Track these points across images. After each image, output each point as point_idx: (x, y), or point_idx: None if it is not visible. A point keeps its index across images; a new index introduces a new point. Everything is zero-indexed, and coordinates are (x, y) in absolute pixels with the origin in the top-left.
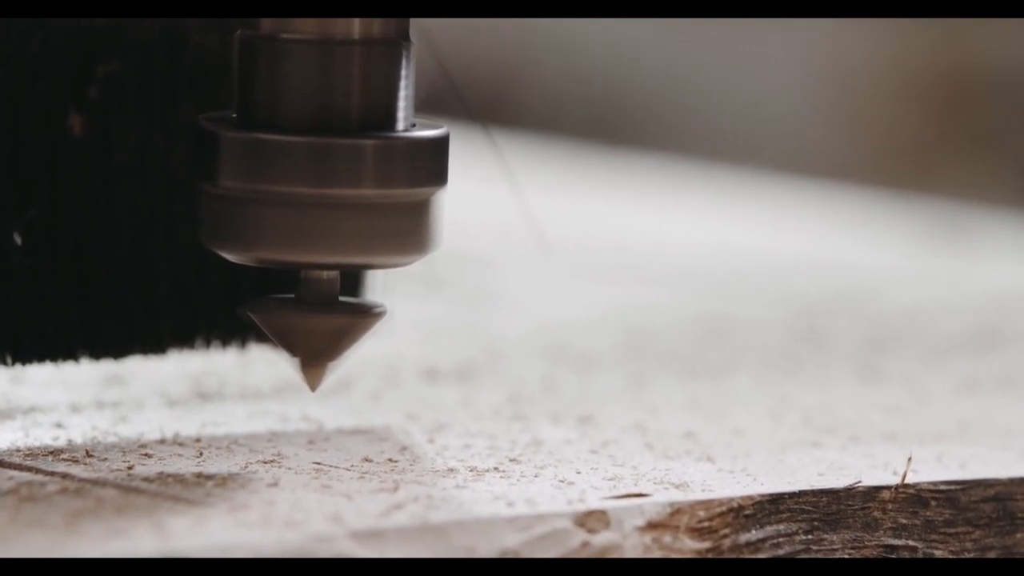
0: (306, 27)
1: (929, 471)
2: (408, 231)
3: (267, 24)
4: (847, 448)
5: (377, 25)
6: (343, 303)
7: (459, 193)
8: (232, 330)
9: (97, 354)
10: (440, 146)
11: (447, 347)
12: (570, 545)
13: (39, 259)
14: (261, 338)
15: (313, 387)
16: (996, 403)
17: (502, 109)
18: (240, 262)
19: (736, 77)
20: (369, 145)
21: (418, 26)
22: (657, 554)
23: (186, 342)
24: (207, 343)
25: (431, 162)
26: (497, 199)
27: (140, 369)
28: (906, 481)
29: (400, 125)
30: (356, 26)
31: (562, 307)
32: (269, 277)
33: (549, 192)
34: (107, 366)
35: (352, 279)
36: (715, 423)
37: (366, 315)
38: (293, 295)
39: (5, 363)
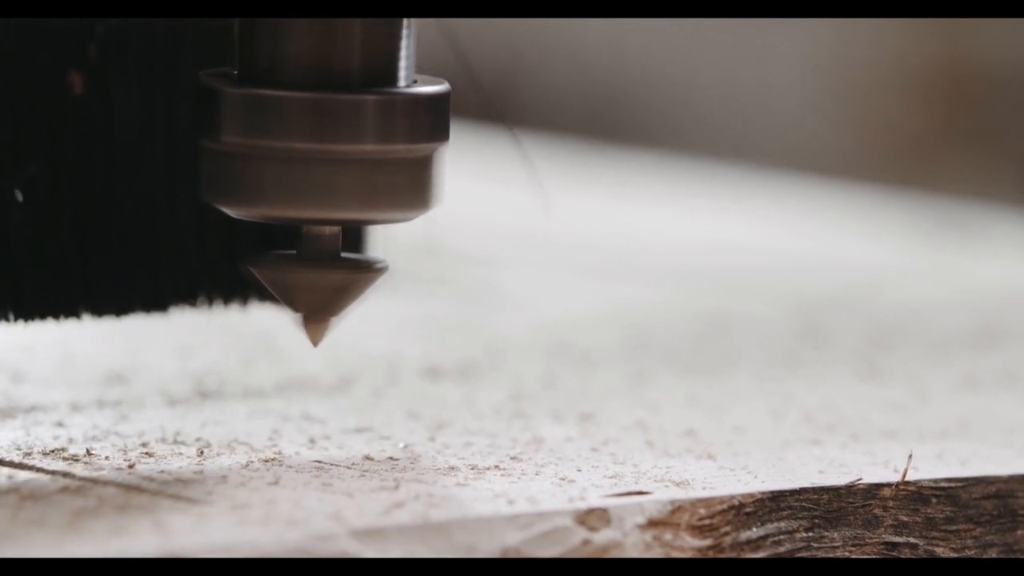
0: None
1: (930, 468)
2: (409, 187)
3: None
4: (848, 446)
5: None
6: (344, 259)
7: (460, 193)
8: (233, 287)
9: (99, 311)
10: (441, 102)
11: (448, 345)
12: (571, 543)
13: (40, 216)
14: (262, 295)
15: (315, 342)
16: (997, 400)
17: (504, 107)
18: (242, 218)
19: (737, 74)
20: (370, 101)
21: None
22: (658, 552)
23: (187, 299)
24: (209, 300)
25: (432, 118)
26: (497, 199)
27: (141, 368)
28: (907, 478)
29: (401, 82)
30: None
31: (563, 305)
32: (271, 234)
33: (550, 190)
34: (108, 365)
35: (354, 239)
36: (716, 421)
37: (367, 270)
38: (295, 251)
39: (7, 320)
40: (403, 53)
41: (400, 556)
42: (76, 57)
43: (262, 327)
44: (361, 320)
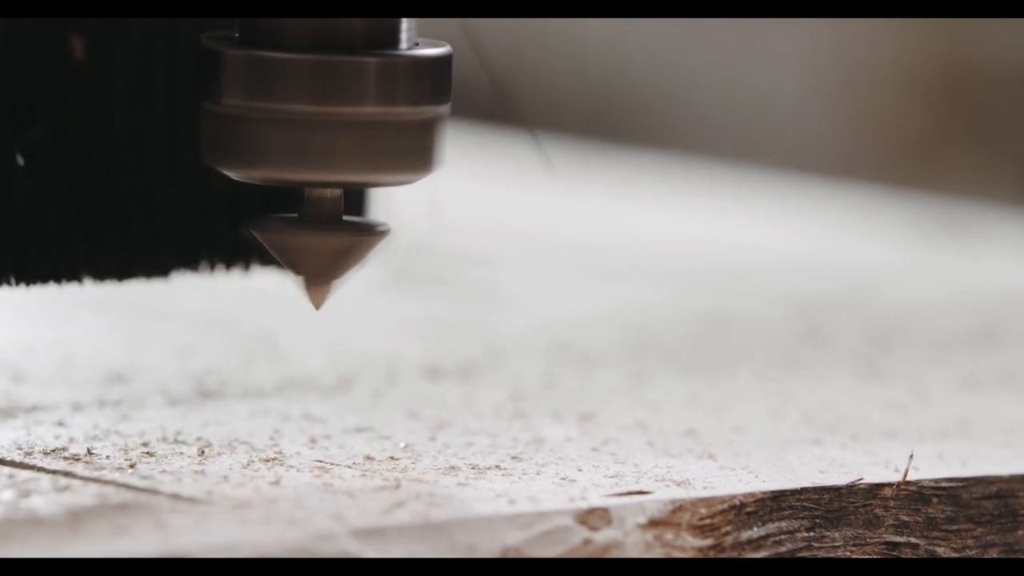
0: None
1: (930, 468)
2: (411, 149)
3: None
4: (848, 446)
5: None
6: (347, 222)
7: (460, 193)
8: (236, 253)
9: (100, 276)
10: (443, 64)
11: (448, 345)
12: (572, 542)
13: (41, 180)
14: (265, 261)
15: (317, 305)
16: (997, 400)
17: (514, 104)
18: (243, 180)
19: (737, 74)
20: (372, 63)
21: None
22: (659, 551)
23: (189, 265)
24: (211, 266)
25: (434, 80)
26: (497, 199)
27: (142, 368)
28: (908, 478)
29: (403, 44)
30: None
31: (563, 305)
32: (272, 199)
33: (550, 190)
34: (108, 365)
35: (356, 203)
36: (716, 421)
37: (370, 233)
38: (296, 214)
39: (9, 284)
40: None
41: (401, 556)
42: (76, 19)
43: (262, 327)
44: (361, 320)
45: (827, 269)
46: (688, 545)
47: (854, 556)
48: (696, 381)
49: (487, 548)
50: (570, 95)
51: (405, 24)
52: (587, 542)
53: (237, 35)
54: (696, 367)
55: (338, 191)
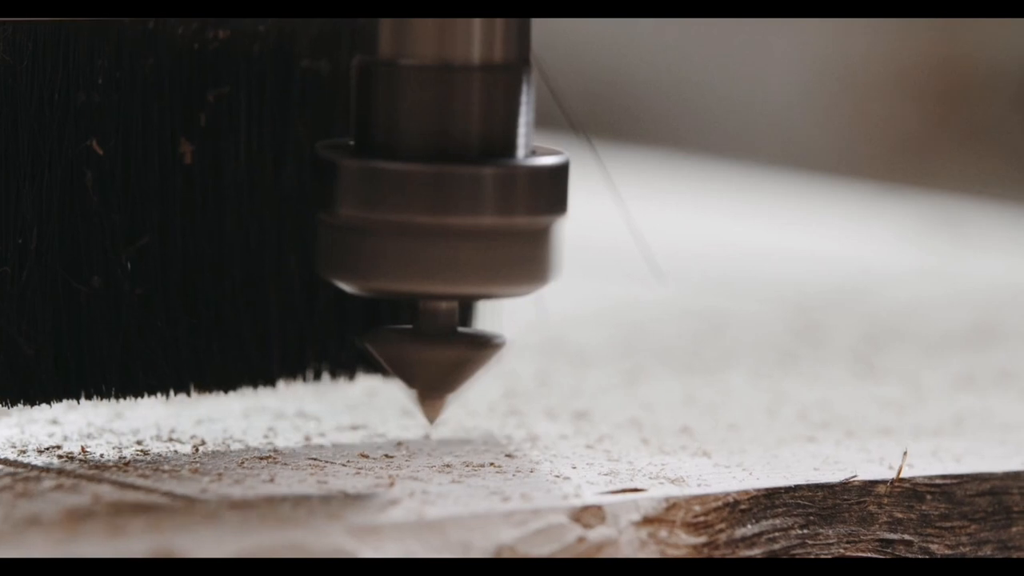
0: (425, 53)
1: (925, 465)
2: (528, 260)
3: (385, 50)
4: (843, 443)
5: (497, 50)
6: (462, 334)
7: None
8: (341, 360)
9: (207, 387)
10: (560, 173)
11: None
12: (566, 540)
13: (149, 289)
14: (370, 368)
15: (431, 419)
16: (992, 398)
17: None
18: (357, 293)
19: (734, 72)
20: (489, 173)
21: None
22: (653, 549)
23: (295, 373)
24: (316, 374)
25: (551, 190)
26: None
27: None
28: (902, 475)
29: (520, 152)
30: (475, 51)
31: (558, 303)
32: (379, 306)
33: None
34: None
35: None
36: (711, 418)
37: (485, 347)
38: (411, 326)
39: (113, 398)
40: (522, 121)
41: (395, 553)
42: (186, 125)
43: None
44: None
45: (823, 267)
46: (682, 542)
47: (848, 553)
48: (690, 379)
49: (481, 546)
50: (570, 95)
51: (522, 129)
52: (581, 539)
53: (351, 143)
54: (690, 365)
55: (453, 303)
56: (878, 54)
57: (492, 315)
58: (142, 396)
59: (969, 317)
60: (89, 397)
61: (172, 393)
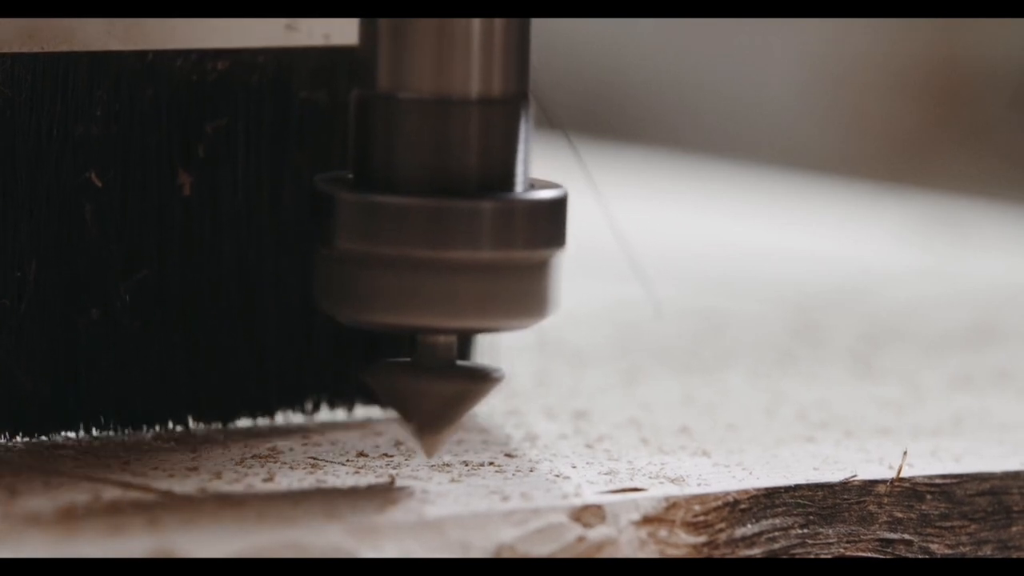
0: (423, 86)
1: (924, 465)
2: (527, 293)
3: (384, 83)
4: (842, 443)
5: (496, 83)
6: (460, 368)
7: None
8: (340, 392)
9: (205, 418)
10: (559, 207)
11: None
12: (566, 539)
13: (147, 321)
14: (369, 400)
15: (430, 454)
16: (991, 397)
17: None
18: (355, 326)
19: (731, 72)
20: (487, 207)
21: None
22: (653, 548)
23: (294, 404)
24: (315, 406)
25: (550, 223)
26: None
27: None
28: (901, 475)
29: (519, 185)
30: (474, 85)
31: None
32: (378, 339)
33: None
34: None
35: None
36: (710, 418)
37: (484, 380)
38: (409, 359)
39: (111, 430)
40: (520, 154)
41: (395, 552)
42: (184, 157)
43: None
44: None
45: (821, 267)
46: (682, 542)
47: (848, 553)
48: (690, 378)
49: (481, 545)
50: (570, 95)
51: (520, 164)
52: (581, 539)
53: (350, 177)
54: (690, 364)
55: (452, 336)
56: (877, 54)
57: (490, 347)
58: (140, 428)
59: (968, 317)
60: (87, 430)
61: (170, 425)
